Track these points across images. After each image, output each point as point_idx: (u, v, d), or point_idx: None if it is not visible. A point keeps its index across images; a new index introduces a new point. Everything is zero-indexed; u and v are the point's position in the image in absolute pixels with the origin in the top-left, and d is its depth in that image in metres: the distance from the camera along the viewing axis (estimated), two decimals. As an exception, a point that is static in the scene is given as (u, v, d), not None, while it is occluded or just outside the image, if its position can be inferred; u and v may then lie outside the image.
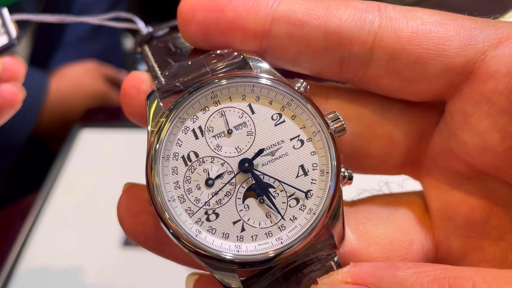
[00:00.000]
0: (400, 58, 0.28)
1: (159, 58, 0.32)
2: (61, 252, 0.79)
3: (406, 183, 0.35)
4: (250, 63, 0.29)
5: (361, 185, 0.33)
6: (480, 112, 0.27)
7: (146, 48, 0.35)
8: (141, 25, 0.39)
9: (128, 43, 2.47)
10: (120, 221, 0.31)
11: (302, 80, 0.29)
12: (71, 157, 0.96)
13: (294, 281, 0.26)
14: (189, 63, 0.29)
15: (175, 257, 0.31)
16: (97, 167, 0.94)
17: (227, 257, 0.26)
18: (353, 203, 0.33)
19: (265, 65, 0.29)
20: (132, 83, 0.32)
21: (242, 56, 0.29)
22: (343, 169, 0.28)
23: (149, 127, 0.28)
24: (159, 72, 0.30)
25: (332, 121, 0.28)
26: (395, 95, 0.30)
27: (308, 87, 0.29)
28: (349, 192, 0.30)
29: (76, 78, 1.17)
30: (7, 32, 0.43)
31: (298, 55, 0.29)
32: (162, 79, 0.29)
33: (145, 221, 0.30)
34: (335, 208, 0.27)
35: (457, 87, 0.28)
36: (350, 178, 0.28)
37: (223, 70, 0.28)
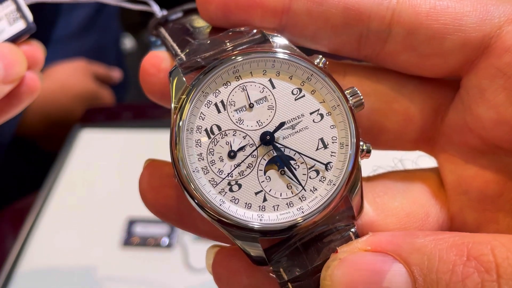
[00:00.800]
0: (418, 34, 0.28)
1: (177, 38, 0.33)
2: (61, 252, 0.79)
3: (420, 160, 0.35)
4: (270, 39, 0.29)
5: (377, 162, 0.33)
6: (495, 86, 0.28)
7: (163, 30, 0.35)
8: (155, 8, 0.38)
9: (128, 43, 2.46)
10: (142, 195, 0.31)
11: (321, 56, 0.29)
12: (71, 157, 0.96)
13: (314, 250, 0.27)
14: (209, 41, 0.30)
15: (196, 229, 0.31)
16: (97, 167, 0.94)
17: (250, 225, 0.26)
18: (369, 179, 0.33)
19: (284, 41, 0.30)
20: (151, 61, 0.32)
21: (262, 33, 0.29)
22: (361, 143, 0.28)
23: (172, 104, 0.28)
24: (179, 50, 0.30)
25: (350, 96, 0.29)
26: (411, 71, 0.31)
27: (327, 63, 0.29)
28: (365, 169, 0.30)
29: (64, 78, 1.14)
30: (24, 16, 0.41)
31: (317, 32, 0.30)
32: (184, 57, 0.29)
33: (167, 194, 0.30)
34: (354, 180, 0.28)
35: (473, 62, 0.28)
36: (369, 151, 0.29)
37: (244, 46, 0.29)
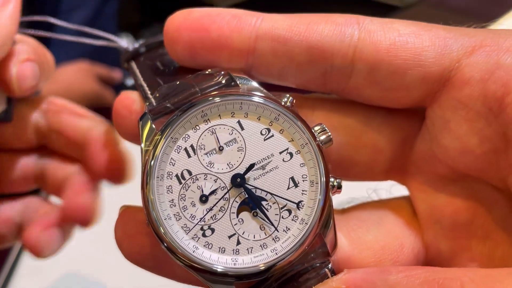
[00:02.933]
0: (380, 69, 0.29)
1: (147, 77, 0.33)
2: (62, 251, 0.79)
3: (394, 189, 0.36)
4: (238, 81, 0.30)
5: (351, 194, 0.34)
6: (458, 118, 0.28)
7: (134, 65, 0.36)
8: (122, 43, 0.39)
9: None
10: (118, 244, 0.32)
11: (288, 95, 0.30)
12: (72, 157, 0.96)
13: None
14: (178, 83, 0.30)
15: (173, 275, 0.32)
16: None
17: (223, 270, 0.26)
18: (344, 211, 0.33)
19: (252, 83, 0.30)
20: (123, 103, 0.33)
21: (229, 75, 0.30)
22: (332, 179, 0.29)
23: (142, 145, 0.29)
24: (149, 93, 0.31)
25: (319, 133, 0.29)
26: (377, 103, 0.31)
27: (294, 101, 0.30)
28: (339, 200, 0.31)
29: (68, 79, 1.15)
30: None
31: (283, 70, 0.30)
32: (153, 101, 0.30)
33: (142, 242, 0.31)
34: (326, 217, 0.28)
35: (435, 94, 0.29)
36: (339, 187, 0.29)
37: (211, 89, 0.29)
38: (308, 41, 0.29)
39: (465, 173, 0.30)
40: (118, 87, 1.31)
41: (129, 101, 0.32)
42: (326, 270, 0.28)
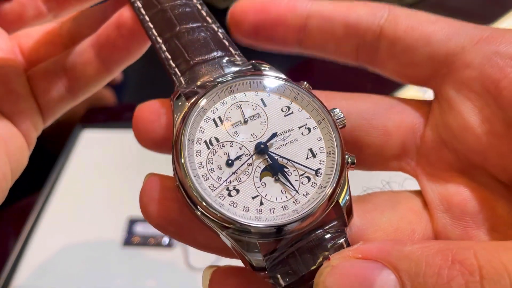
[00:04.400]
0: (397, 45, 0.34)
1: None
2: (62, 251, 0.79)
3: (406, 183, 0.38)
4: (261, 68, 0.33)
5: (365, 184, 0.36)
6: (460, 97, 0.32)
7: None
8: None
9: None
10: (143, 209, 0.33)
11: (305, 82, 0.33)
12: (73, 157, 0.97)
13: (309, 256, 0.29)
14: (206, 66, 0.33)
15: (194, 242, 0.33)
16: (99, 167, 0.95)
17: (249, 225, 0.28)
18: (359, 198, 0.35)
19: (273, 71, 0.33)
20: (151, 109, 0.35)
21: (253, 64, 0.34)
22: (346, 156, 0.31)
23: (175, 117, 0.31)
24: (179, 74, 0.34)
25: (334, 114, 0.32)
26: (397, 77, 0.36)
27: (311, 88, 0.33)
28: (354, 190, 0.32)
29: None
30: None
31: (326, 43, 0.36)
32: (185, 84, 0.33)
33: (168, 207, 0.32)
34: (343, 185, 0.30)
35: (442, 75, 0.33)
36: (353, 163, 0.31)
37: (238, 73, 0.33)
38: (347, 19, 0.35)
39: (470, 160, 0.32)
40: (119, 87, 1.31)
41: (156, 106, 0.35)
42: (342, 241, 0.29)
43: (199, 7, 0.38)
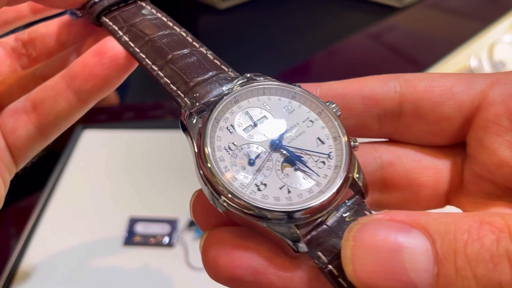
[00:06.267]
0: (422, 105, 0.35)
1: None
2: (63, 250, 0.80)
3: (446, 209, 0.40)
4: (256, 78, 0.36)
5: None
6: (489, 135, 0.33)
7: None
8: None
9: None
10: (196, 219, 0.35)
11: (298, 84, 0.36)
12: (74, 157, 0.97)
13: (340, 231, 0.31)
14: (206, 86, 0.36)
15: None
16: (99, 167, 0.95)
17: (285, 210, 0.30)
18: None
19: (267, 78, 0.36)
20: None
21: (247, 77, 0.36)
22: (350, 139, 0.34)
23: (192, 134, 0.33)
24: (182, 96, 0.36)
25: (329, 105, 0.35)
26: (426, 140, 0.37)
27: (301, 86, 0.36)
28: None
29: None
30: None
31: (344, 121, 0.36)
32: (188, 102, 0.35)
33: (215, 213, 0.33)
34: (354, 162, 0.33)
35: (470, 120, 0.35)
36: (355, 142, 0.34)
37: (237, 85, 0.36)
38: (361, 93, 0.36)
39: (508, 187, 0.34)
40: (121, 88, 1.31)
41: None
42: (366, 212, 0.32)
43: (184, 34, 0.40)
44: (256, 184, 0.32)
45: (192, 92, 0.35)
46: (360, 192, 0.33)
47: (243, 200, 0.30)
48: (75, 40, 0.45)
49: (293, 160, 0.33)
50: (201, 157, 0.32)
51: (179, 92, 0.36)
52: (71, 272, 0.76)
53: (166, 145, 0.97)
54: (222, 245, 0.31)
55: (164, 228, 0.81)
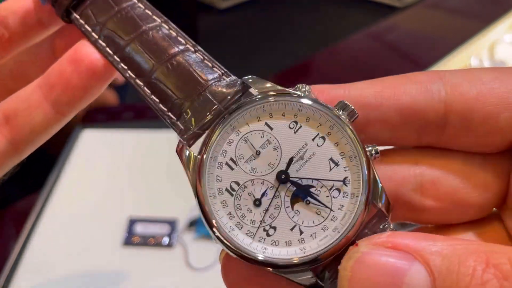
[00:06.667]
0: (473, 117, 0.30)
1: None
2: (62, 251, 0.79)
3: None
4: (251, 86, 0.31)
5: None
6: None
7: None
8: None
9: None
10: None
11: (304, 84, 0.31)
12: (73, 157, 0.97)
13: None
14: (201, 103, 0.31)
15: None
16: (99, 167, 0.95)
17: (295, 261, 0.28)
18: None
19: (264, 82, 0.31)
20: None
21: (242, 82, 0.31)
22: (369, 148, 0.30)
23: (188, 172, 0.30)
24: (174, 119, 0.31)
25: (341, 110, 0.30)
26: (474, 150, 0.32)
27: (311, 89, 0.31)
28: None
29: None
30: None
31: (377, 133, 0.32)
32: (182, 127, 0.31)
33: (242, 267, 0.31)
34: (374, 184, 0.29)
35: None
36: (377, 152, 0.30)
37: (231, 101, 0.31)
38: (399, 103, 0.30)
39: None
40: (119, 87, 1.31)
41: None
42: (381, 226, 0.29)
43: (166, 27, 0.34)
44: (264, 229, 0.29)
45: (185, 114, 0.31)
46: (381, 213, 0.29)
47: (250, 254, 0.28)
48: (51, 19, 0.38)
49: (303, 194, 0.29)
50: (203, 210, 0.29)
51: (170, 114, 0.32)
52: (71, 272, 0.76)
53: (166, 145, 0.96)
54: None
55: (164, 229, 0.80)
